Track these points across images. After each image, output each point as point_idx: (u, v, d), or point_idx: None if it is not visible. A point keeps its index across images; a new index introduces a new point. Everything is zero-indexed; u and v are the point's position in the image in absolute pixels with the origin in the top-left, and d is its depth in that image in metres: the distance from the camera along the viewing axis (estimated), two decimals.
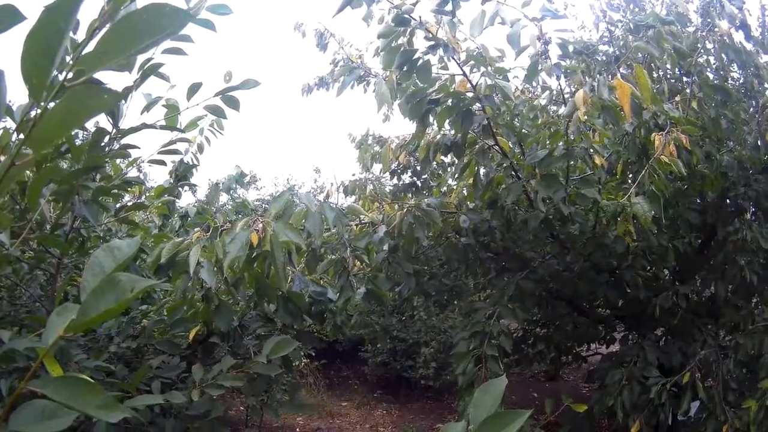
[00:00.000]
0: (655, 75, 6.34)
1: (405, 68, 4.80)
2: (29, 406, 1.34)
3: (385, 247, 5.34)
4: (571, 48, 5.56)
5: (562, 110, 5.56)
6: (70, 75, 1.11)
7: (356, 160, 8.60)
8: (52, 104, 1.10)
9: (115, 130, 3.58)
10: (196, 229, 4.18)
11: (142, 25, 1.03)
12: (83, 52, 1.10)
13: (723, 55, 6.10)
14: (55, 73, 1.09)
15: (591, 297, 7.40)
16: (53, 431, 1.33)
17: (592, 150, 5.23)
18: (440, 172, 8.03)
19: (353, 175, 9.00)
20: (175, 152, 4.32)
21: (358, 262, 5.38)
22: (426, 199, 5.58)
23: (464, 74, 4.96)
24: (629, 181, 5.90)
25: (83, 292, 1.28)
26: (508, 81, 5.12)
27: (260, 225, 3.68)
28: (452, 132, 5.56)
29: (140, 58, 3.22)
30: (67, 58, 1.15)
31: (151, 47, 1.08)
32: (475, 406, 1.50)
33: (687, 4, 6.52)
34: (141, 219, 5.90)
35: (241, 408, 8.85)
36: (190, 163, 5.44)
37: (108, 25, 1.15)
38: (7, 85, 1.16)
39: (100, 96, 1.09)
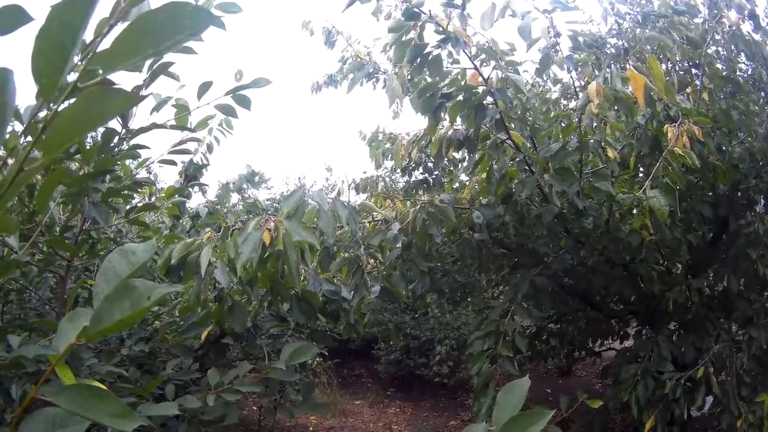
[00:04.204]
0: (663, 67, 6.30)
1: (416, 63, 4.77)
2: (40, 415, 1.31)
3: (399, 245, 5.31)
4: (581, 40, 5.53)
5: (574, 104, 5.53)
6: (81, 76, 1.07)
7: (368, 157, 8.56)
8: (62, 106, 1.06)
9: (124, 131, 3.56)
10: (206, 230, 4.15)
11: (161, 24, 0.99)
12: (95, 53, 1.06)
13: (732, 46, 6.06)
14: (67, 77, 1.05)
15: (605, 292, 7.37)
16: None
17: (604, 143, 5.20)
18: (452, 168, 8.00)
19: (364, 172, 8.98)
20: (186, 152, 4.30)
21: (372, 260, 5.35)
22: (439, 195, 5.54)
23: (476, 68, 4.93)
24: (641, 174, 5.87)
25: (96, 298, 1.24)
26: (520, 74, 5.09)
27: (272, 224, 3.64)
28: (464, 127, 5.53)
29: None
30: (75, 59, 1.11)
31: (170, 49, 1.03)
32: (498, 407, 1.48)
33: None
34: (151, 220, 5.88)
35: (254, 408, 8.85)
36: (200, 163, 5.42)
37: (120, 24, 1.11)
38: (15, 86, 1.12)
39: (116, 98, 1.05)
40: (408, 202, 5.59)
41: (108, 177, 3.80)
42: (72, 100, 1.04)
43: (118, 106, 1.06)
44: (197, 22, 1.00)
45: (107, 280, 1.29)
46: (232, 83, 3.56)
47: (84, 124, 1.07)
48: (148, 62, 3.20)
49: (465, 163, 7.03)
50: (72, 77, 1.06)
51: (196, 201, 9.22)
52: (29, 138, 1.12)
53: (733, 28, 5.92)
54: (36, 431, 1.29)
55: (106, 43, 1.02)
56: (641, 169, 5.96)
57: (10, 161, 1.21)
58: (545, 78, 6.86)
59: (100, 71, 1.05)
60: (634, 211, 5.16)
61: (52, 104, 1.05)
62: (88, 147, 3.63)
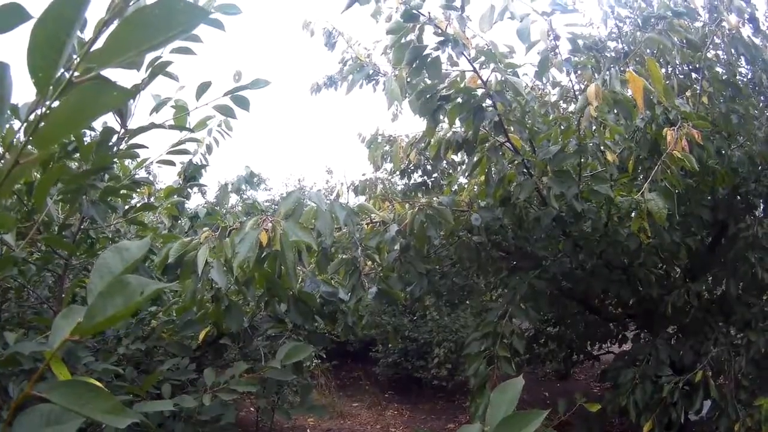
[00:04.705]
0: (663, 71, 6.30)
1: (415, 64, 4.77)
2: (34, 411, 1.30)
3: (397, 247, 5.31)
4: (581, 42, 5.54)
5: (573, 107, 5.53)
6: (78, 73, 1.07)
7: (367, 159, 8.56)
8: (56, 103, 1.06)
9: (123, 130, 3.56)
10: (204, 229, 4.15)
11: (154, 20, 0.99)
12: (91, 50, 1.06)
13: (732, 50, 6.06)
14: (62, 71, 1.06)
15: (603, 295, 7.38)
16: None
17: (603, 146, 5.20)
18: (450, 170, 8.00)
19: (363, 174, 8.98)
20: (185, 152, 4.29)
21: (370, 262, 5.35)
22: (437, 197, 5.55)
23: (474, 70, 4.93)
24: (640, 177, 5.87)
25: (90, 294, 1.24)
26: (519, 77, 5.09)
27: (270, 224, 3.64)
28: (463, 129, 5.54)
29: (148, 57, 3.20)
30: (74, 57, 1.11)
31: (164, 44, 1.04)
32: (492, 407, 1.48)
33: None
34: (150, 220, 5.88)
35: (252, 409, 8.85)
36: (200, 164, 5.42)
37: (117, 21, 1.11)
38: (12, 80, 1.12)
39: (110, 93, 1.05)
40: (406, 204, 5.58)
41: (106, 176, 3.80)
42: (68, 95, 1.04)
43: (113, 100, 1.07)
44: (191, 18, 1.01)
45: (101, 276, 1.29)
46: (231, 84, 3.57)
47: (78, 118, 1.07)
48: (146, 62, 3.20)
49: (464, 166, 7.03)
50: (69, 75, 1.07)
51: (195, 202, 9.21)
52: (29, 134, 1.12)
53: (733, 31, 5.92)
54: (30, 427, 1.29)
55: (103, 42, 1.03)
56: (640, 172, 5.96)
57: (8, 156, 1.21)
58: (544, 81, 6.86)
59: (96, 67, 1.05)
60: (633, 214, 5.17)
61: (47, 99, 1.05)
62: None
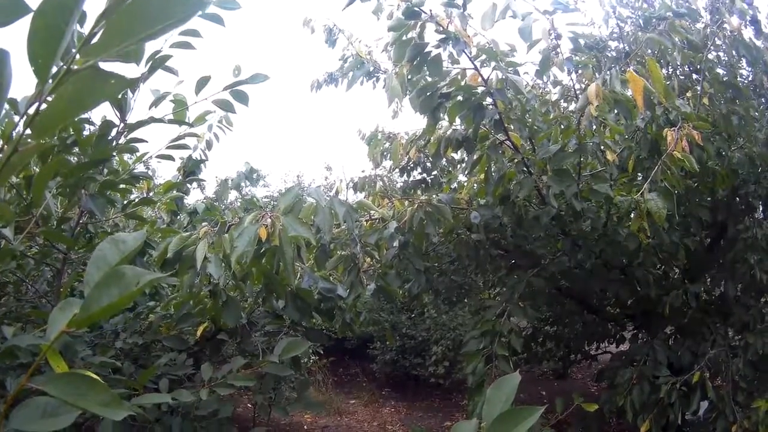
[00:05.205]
0: (664, 71, 6.29)
1: (415, 62, 4.76)
2: (30, 404, 1.30)
3: (396, 244, 5.30)
4: (582, 42, 5.53)
5: (573, 106, 5.52)
6: (77, 66, 1.07)
7: (366, 156, 8.55)
8: (52, 96, 1.06)
9: (122, 124, 3.56)
10: (203, 224, 4.14)
11: (150, 10, 0.99)
12: (90, 43, 1.06)
13: (733, 51, 6.06)
14: (60, 64, 1.05)
15: (602, 295, 7.37)
16: (55, 429, 1.29)
17: (603, 145, 5.19)
18: (450, 168, 7.98)
19: (363, 171, 8.97)
20: (184, 147, 4.28)
21: (368, 259, 5.34)
22: (437, 195, 5.54)
23: (475, 68, 4.91)
24: (640, 177, 5.86)
25: (87, 285, 1.24)
26: (520, 75, 5.08)
27: (269, 219, 3.64)
28: (463, 127, 5.52)
29: (148, 51, 3.20)
30: (73, 50, 1.11)
31: (160, 34, 1.04)
32: (488, 403, 1.47)
33: (696, 0, 6.48)
34: (149, 215, 5.87)
35: (249, 405, 8.85)
36: (199, 159, 5.40)
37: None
38: (12, 69, 1.12)
39: (107, 81, 1.05)
40: (405, 202, 5.58)
41: (105, 170, 3.80)
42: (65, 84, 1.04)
43: (111, 89, 1.06)
44: (187, 8, 1.00)
45: (98, 268, 1.29)
46: (230, 79, 3.56)
47: (76, 106, 1.07)
48: (146, 56, 3.20)
49: (463, 164, 7.02)
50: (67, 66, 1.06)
51: (194, 197, 9.19)
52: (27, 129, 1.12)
53: (735, 33, 5.92)
54: (27, 420, 1.29)
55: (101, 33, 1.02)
56: (640, 172, 5.95)
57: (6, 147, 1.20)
58: (545, 79, 6.86)
59: (92, 57, 1.05)
60: (632, 214, 5.16)
61: (45, 89, 1.05)
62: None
